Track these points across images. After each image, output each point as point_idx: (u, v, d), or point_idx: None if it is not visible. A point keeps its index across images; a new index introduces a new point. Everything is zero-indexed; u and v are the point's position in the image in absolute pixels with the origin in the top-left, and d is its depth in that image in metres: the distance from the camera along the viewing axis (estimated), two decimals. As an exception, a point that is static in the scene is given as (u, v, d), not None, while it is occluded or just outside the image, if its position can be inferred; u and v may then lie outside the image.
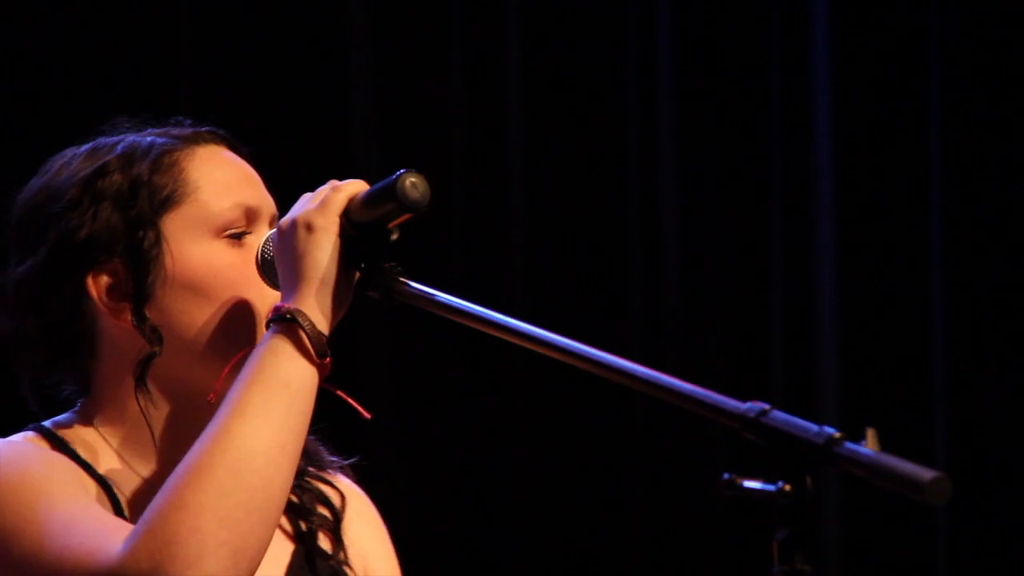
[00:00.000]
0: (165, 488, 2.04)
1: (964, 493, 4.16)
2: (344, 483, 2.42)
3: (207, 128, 2.37)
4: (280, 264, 2.18)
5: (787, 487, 1.70)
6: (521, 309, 4.37)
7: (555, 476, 4.39)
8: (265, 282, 2.24)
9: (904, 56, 4.56)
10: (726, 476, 1.74)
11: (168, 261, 2.25)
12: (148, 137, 2.33)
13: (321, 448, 2.41)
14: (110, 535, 2.04)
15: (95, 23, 4.12)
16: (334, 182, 2.19)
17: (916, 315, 4.49)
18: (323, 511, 2.36)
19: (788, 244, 4.53)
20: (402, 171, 2.10)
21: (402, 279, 2.13)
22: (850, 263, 4.51)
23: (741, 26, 4.57)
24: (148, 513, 2.02)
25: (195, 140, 2.34)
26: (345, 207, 2.15)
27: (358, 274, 2.15)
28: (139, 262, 2.25)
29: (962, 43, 4.51)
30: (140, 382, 2.25)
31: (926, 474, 1.62)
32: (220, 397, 2.13)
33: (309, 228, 2.14)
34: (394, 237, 2.15)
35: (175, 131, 2.36)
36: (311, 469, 2.38)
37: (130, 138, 2.33)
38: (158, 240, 2.26)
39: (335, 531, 2.35)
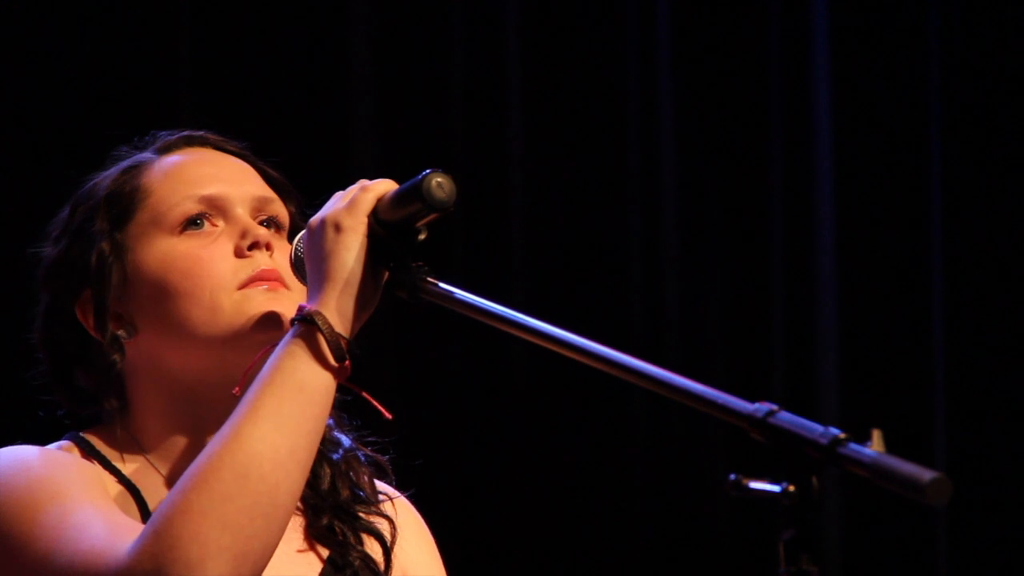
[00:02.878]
0: (174, 490, 2.04)
1: (964, 493, 4.18)
2: (397, 506, 2.42)
3: (183, 134, 2.43)
4: (308, 263, 2.18)
5: (792, 488, 1.71)
6: (521, 308, 4.35)
7: (557, 476, 4.39)
8: (299, 280, 2.25)
9: (904, 56, 4.58)
10: (732, 477, 1.74)
11: (127, 268, 2.31)
12: (120, 163, 2.41)
13: (372, 481, 2.41)
14: (119, 537, 2.05)
15: (95, 22, 4.10)
16: (363, 181, 2.19)
17: (916, 315, 4.52)
18: (371, 544, 2.36)
19: (788, 244, 4.55)
20: (428, 171, 2.11)
21: (429, 279, 2.14)
22: (850, 263, 4.53)
23: (741, 27, 4.59)
24: (155, 515, 2.03)
25: (165, 149, 2.41)
26: (374, 207, 2.15)
27: (387, 273, 2.15)
28: (94, 279, 2.32)
29: (962, 42, 4.53)
30: (110, 390, 2.33)
31: (925, 475, 1.62)
32: (244, 391, 2.13)
33: (337, 228, 2.14)
34: (422, 237, 2.16)
35: (154, 145, 2.42)
36: (359, 508, 2.37)
37: (99, 174, 2.42)
38: (113, 252, 2.32)
39: (386, 562, 2.35)
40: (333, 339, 2.11)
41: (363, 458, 2.43)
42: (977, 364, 4.47)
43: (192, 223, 2.32)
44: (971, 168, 4.52)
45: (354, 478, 2.39)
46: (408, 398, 4.22)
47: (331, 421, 2.39)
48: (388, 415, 2.29)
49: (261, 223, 2.35)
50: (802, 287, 4.53)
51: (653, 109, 4.53)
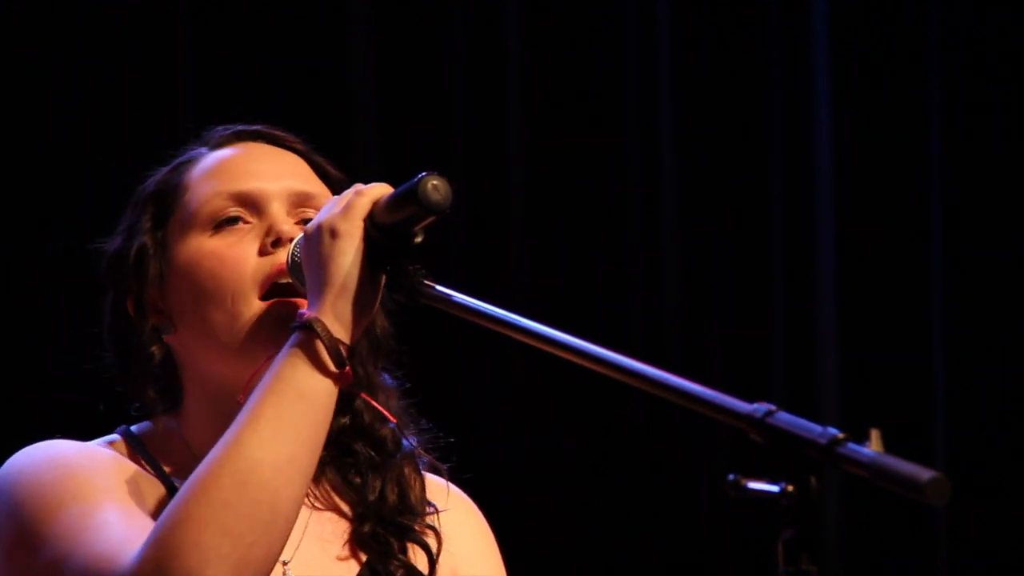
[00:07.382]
0: (175, 499, 2.04)
1: (964, 493, 4.18)
2: (455, 501, 2.42)
3: (235, 128, 2.42)
4: (306, 269, 2.17)
5: (791, 488, 1.70)
6: (520, 308, 4.34)
7: (556, 478, 4.38)
8: (297, 286, 2.23)
9: (904, 56, 4.58)
10: (731, 477, 1.73)
11: (165, 265, 2.32)
12: (176, 159, 2.42)
13: (424, 490, 2.39)
14: (131, 543, 2.05)
15: (96, 22, 4.10)
16: (358, 186, 2.18)
17: (916, 314, 4.51)
18: (417, 554, 2.34)
19: (788, 244, 4.55)
20: (424, 174, 2.10)
21: (426, 281, 2.13)
22: (850, 263, 4.53)
23: (741, 27, 4.58)
24: (158, 524, 2.04)
25: (218, 144, 2.41)
26: (369, 211, 2.14)
27: (384, 277, 2.15)
28: (132, 274, 2.33)
29: (962, 43, 4.53)
30: (153, 383, 2.33)
31: (924, 474, 1.62)
32: (247, 398, 2.12)
33: (333, 233, 2.13)
34: (418, 239, 2.15)
35: (211, 141, 2.42)
36: (406, 518, 2.35)
37: (159, 169, 2.42)
38: (153, 248, 2.32)
39: (430, 573, 2.33)
40: (332, 345, 2.11)
41: (422, 464, 2.41)
42: (977, 364, 4.47)
43: (224, 220, 2.31)
44: (971, 168, 4.52)
45: (405, 486, 2.38)
46: (405, 400, 4.21)
47: (394, 424, 2.38)
48: (392, 419, 2.29)
49: (302, 220, 2.32)
50: (802, 287, 4.53)
51: (653, 109, 4.53)
